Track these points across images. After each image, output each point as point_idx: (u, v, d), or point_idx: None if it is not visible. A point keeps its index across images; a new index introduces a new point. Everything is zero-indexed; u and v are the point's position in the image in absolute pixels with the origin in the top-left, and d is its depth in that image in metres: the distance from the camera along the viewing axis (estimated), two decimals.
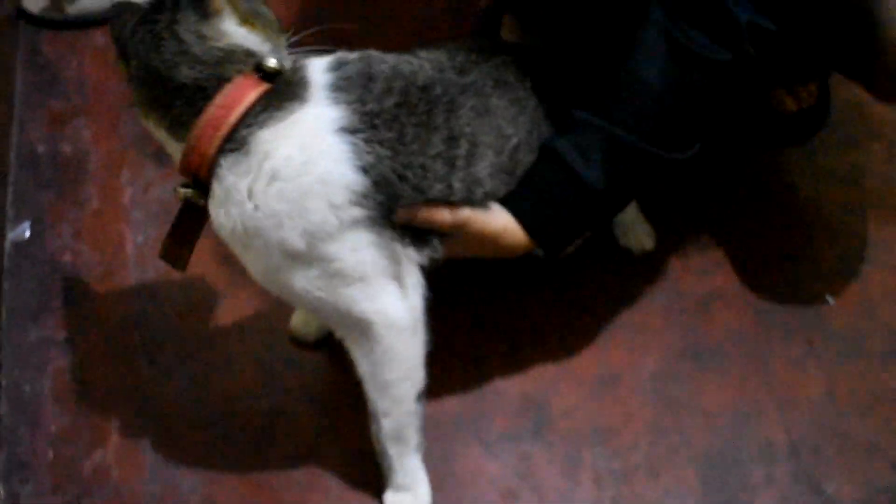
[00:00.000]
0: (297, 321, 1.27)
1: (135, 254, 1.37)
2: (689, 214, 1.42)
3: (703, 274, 1.36)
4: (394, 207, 0.99)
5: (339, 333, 1.06)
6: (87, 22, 1.73)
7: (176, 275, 1.33)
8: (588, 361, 1.26)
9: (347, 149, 0.96)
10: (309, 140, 0.96)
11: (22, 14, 1.74)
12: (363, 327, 1.01)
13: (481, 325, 1.29)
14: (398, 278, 1.02)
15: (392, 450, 1.08)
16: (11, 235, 1.40)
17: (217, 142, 0.95)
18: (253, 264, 1.01)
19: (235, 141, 0.95)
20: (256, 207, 0.95)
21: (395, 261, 1.01)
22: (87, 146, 1.51)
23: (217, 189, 0.97)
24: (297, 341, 1.27)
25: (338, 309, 1.00)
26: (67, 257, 1.37)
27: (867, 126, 1.53)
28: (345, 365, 1.23)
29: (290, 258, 0.97)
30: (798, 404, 1.23)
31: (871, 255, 1.38)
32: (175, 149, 0.99)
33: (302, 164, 0.94)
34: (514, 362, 1.26)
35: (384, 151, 0.97)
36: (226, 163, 0.95)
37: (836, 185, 1.46)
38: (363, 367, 1.04)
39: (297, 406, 1.22)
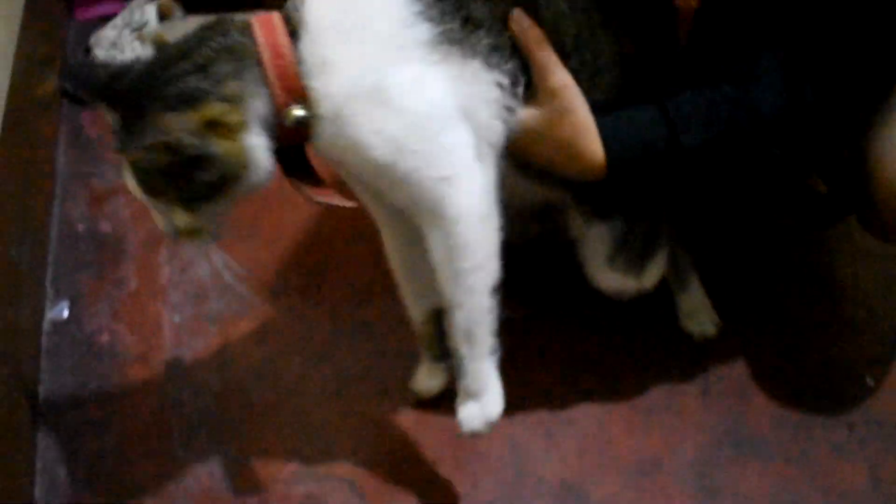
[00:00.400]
0: (421, 379, 1.26)
1: (171, 335, 1.37)
2: (725, 294, 1.41)
3: (741, 355, 1.34)
4: (468, 19, 0.98)
5: (419, 217, 1.02)
6: None
7: (212, 357, 1.34)
8: (627, 447, 1.25)
9: None
10: None
11: (65, 93, 1.78)
12: (444, 203, 0.98)
13: (519, 408, 1.28)
14: (479, 148, 1.00)
15: (464, 349, 1.04)
16: (50, 315, 1.41)
17: (283, 36, 0.95)
18: (357, 149, 0.97)
19: (293, 28, 0.96)
20: (340, 67, 0.95)
21: (477, 115, 1.00)
22: (127, 225, 1.53)
23: (314, 85, 0.96)
24: (421, 399, 1.26)
25: (427, 176, 0.98)
26: (105, 338, 1.38)
27: None
28: (378, 451, 1.23)
29: (383, 107, 0.95)
30: (842, 493, 1.20)
31: None
32: (263, 100, 0.96)
33: None
34: (552, 448, 1.25)
35: None
36: (303, 48, 0.95)
37: (874, 264, 1.45)
38: (438, 253, 1.01)
39: (331, 493, 1.21)
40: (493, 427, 1.07)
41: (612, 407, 1.28)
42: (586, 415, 1.28)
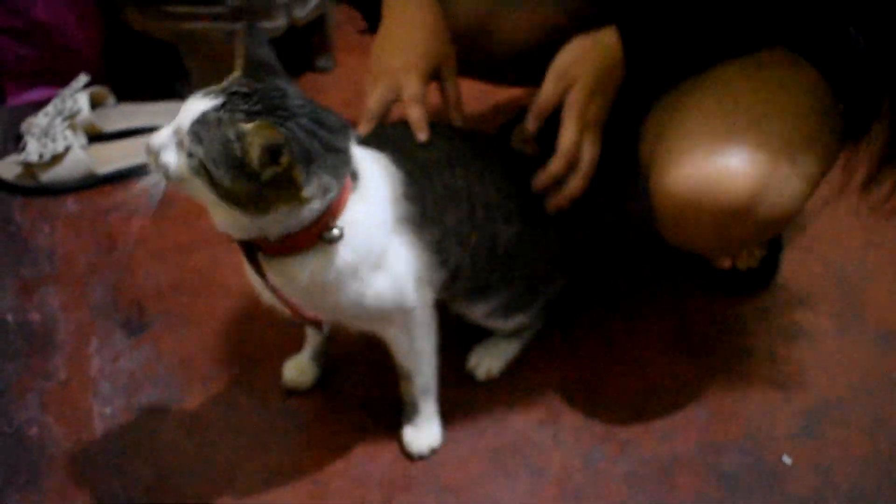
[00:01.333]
0: (291, 373, 1.41)
1: (102, 427, 1.36)
2: (645, 376, 1.46)
3: (663, 438, 1.38)
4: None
5: (383, 327, 1.26)
6: (61, 189, 1.78)
7: (143, 448, 1.34)
8: None
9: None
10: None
11: None
12: (407, 312, 1.24)
13: None
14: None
15: (421, 399, 1.32)
16: None
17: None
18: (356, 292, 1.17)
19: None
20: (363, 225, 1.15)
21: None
22: (56, 315, 1.53)
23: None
24: (293, 392, 1.41)
25: (397, 303, 1.21)
26: (34, 431, 1.36)
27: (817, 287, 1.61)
28: None
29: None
30: None
31: (826, 414, 1.41)
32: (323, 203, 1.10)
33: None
34: None
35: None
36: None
37: (788, 343, 1.52)
38: (401, 342, 1.28)
39: None
40: (434, 451, 1.34)
41: (539, 492, 1.31)
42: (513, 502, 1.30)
